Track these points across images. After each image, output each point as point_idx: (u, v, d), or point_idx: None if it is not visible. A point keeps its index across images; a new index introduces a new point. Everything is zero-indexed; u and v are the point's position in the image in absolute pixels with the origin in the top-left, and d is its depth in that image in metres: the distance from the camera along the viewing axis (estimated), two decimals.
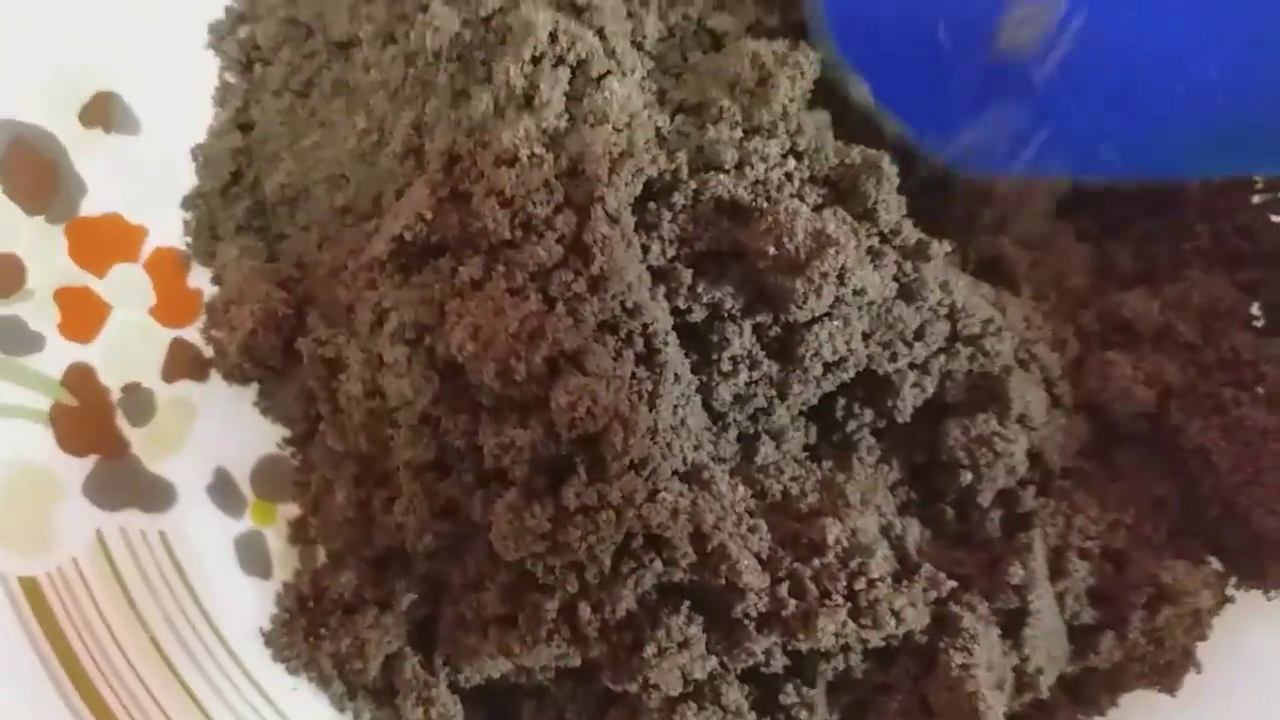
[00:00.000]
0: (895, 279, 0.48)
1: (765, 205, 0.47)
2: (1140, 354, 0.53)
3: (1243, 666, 0.53)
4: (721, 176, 0.47)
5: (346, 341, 0.51)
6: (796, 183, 0.49)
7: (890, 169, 0.49)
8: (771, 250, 0.45)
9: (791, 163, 0.49)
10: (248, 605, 0.53)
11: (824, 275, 0.45)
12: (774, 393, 0.51)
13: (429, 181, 0.48)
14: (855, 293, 0.47)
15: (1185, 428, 0.52)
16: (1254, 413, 0.52)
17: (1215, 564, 0.53)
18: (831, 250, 0.45)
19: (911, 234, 0.49)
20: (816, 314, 0.47)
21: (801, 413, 0.52)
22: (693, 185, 0.48)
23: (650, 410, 0.46)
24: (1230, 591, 0.53)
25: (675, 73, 0.52)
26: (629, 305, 0.46)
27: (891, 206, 0.49)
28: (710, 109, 0.49)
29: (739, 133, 0.49)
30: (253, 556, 0.54)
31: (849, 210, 0.49)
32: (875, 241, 0.49)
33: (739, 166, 0.48)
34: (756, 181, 0.48)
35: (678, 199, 0.47)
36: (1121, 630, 0.49)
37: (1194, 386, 0.53)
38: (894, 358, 0.49)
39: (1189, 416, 0.52)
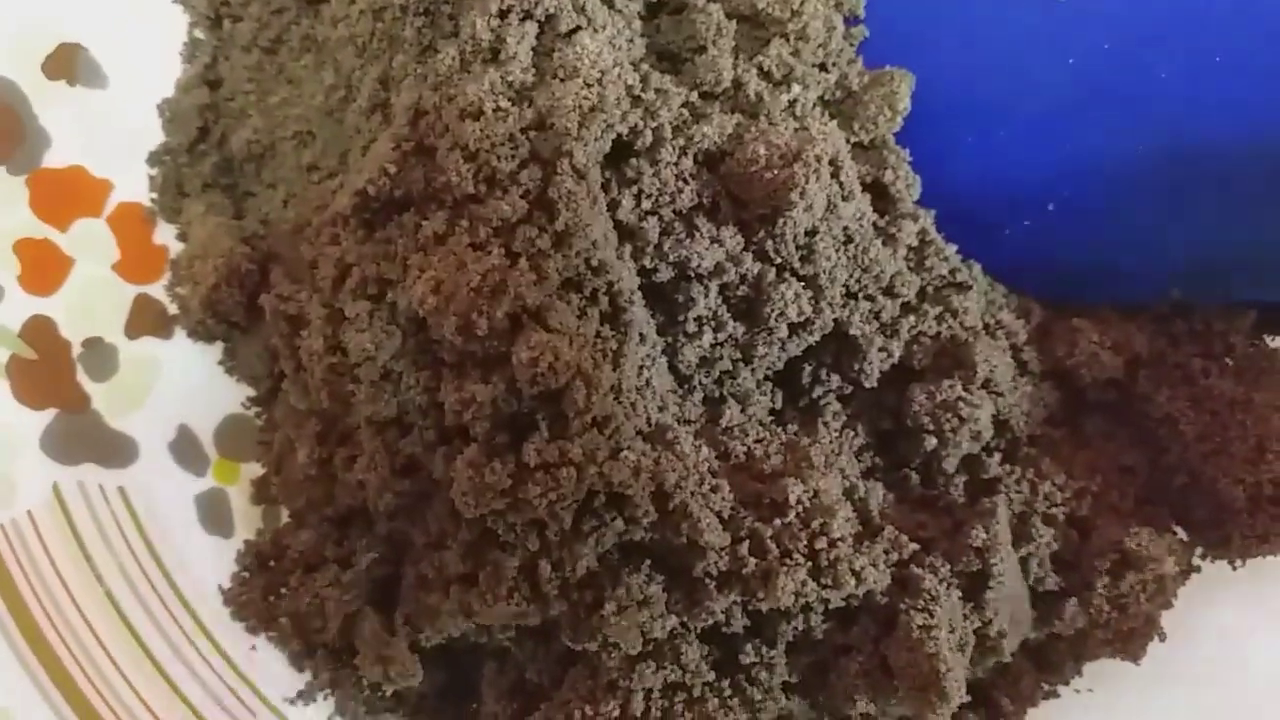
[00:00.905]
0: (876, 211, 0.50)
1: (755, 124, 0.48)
2: (1108, 322, 0.53)
3: (1207, 637, 0.53)
4: (706, 129, 0.47)
5: (309, 298, 0.50)
6: (787, 102, 0.49)
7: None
8: (763, 151, 0.46)
9: (796, 88, 0.50)
10: (208, 563, 0.52)
11: (818, 159, 0.45)
12: (739, 355, 0.51)
13: (394, 136, 0.48)
14: (845, 197, 0.47)
15: (1153, 396, 0.52)
16: (1222, 383, 0.51)
17: (1181, 533, 0.53)
18: (821, 139, 0.46)
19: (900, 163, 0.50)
20: (815, 215, 0.47)
21: (768, 377, 0.52)
22: (679, 141, 0.47)
23: (614, 369, 0.45)
24: (1196, 562, 0.53)
25: (646, 34, 0.52)
26: (594, 262, 0.46)
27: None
28: (703, 38, 0.49)
29: (732, 59, 0.49)
30: (214, 515, 0.54)
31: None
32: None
33: (735, 87, 0.49)
34: (746, 108, 0.48)
35: (664, 154, 0.47)
36: (1085, 596, 0.49)
37: (1163, 356, 0.53)
38: (865, 315, 0.49)
39: (1157, 385, 0.52)
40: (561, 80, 0.47)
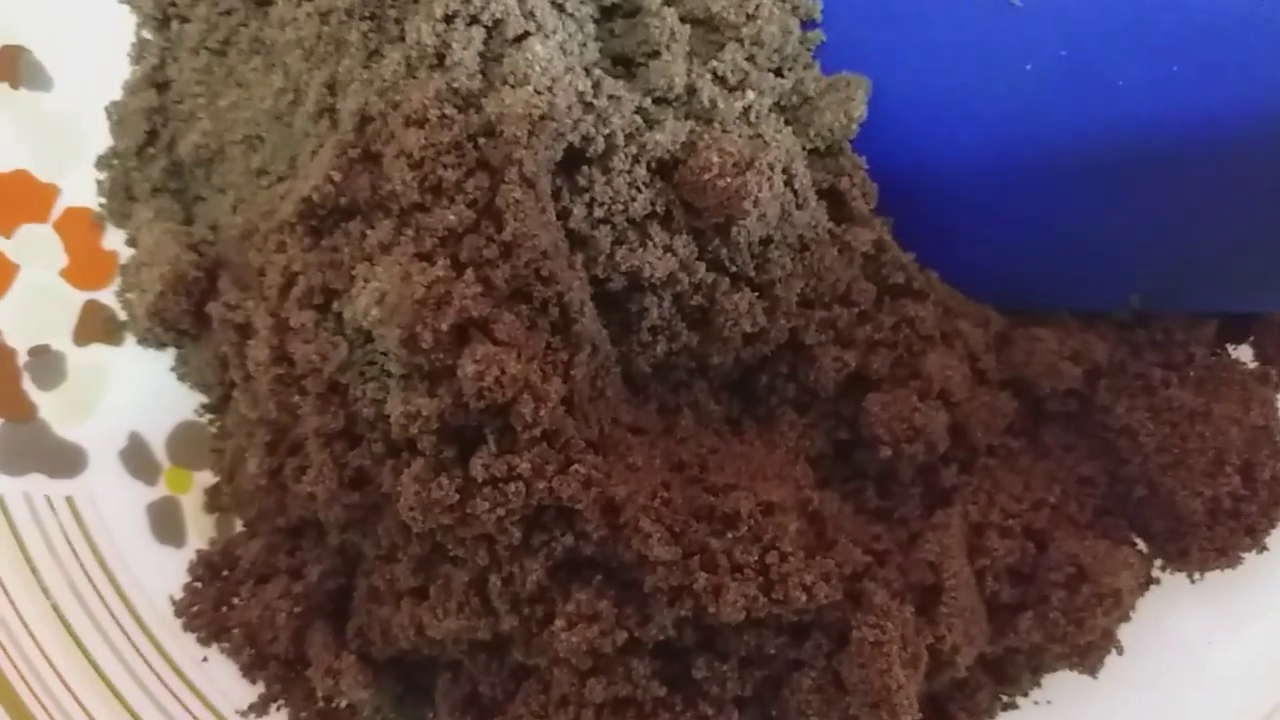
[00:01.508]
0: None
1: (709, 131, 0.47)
2: (1068, 330, 0.52)
3: (1165, 649, 0.52)
4: (659, 137, 0.46)
5: (256, 306, 0.49)
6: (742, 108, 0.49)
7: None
8: (716, 158, 0.45)
9: (750, 94, 0.49)
10: (159, 574, 0.52)
11: (771, 166, 0.45)
12: (694, 364, 0.50)
13: (339, 142, 0.47)
14: (799, 205, 0.47)
15: (1113, 407, 0.52)
16: (1182, 394, 0.51)
17: (1140, 545, 0.52)
18: (775, 146, 0.46)
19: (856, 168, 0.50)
20: (769, 223, 0.47)
21: (724, 386, 0.51)
22: (632, 149, 0.47)
23: (564, 380, 0.45)
24: (1155, 574, 0.52)
25: (600, 38, 0.51)
26: (543, 273, 0.45)
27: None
28: (656, 43, 0.49)
29: (686, 64, 0.49)
30: (166, 524, 0.53)
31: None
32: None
33: (689, 93, 0.48)
34: (700, 114, 0.48)
35: (616, 161, 0.46)
36: (1041, 610, 0.48)
37: (1124, 365, 0.52)
38: (821, 324, 0.49)
39: (1117, 396, 0.52)
40: (511, 87, 0.46)
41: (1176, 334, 0.52)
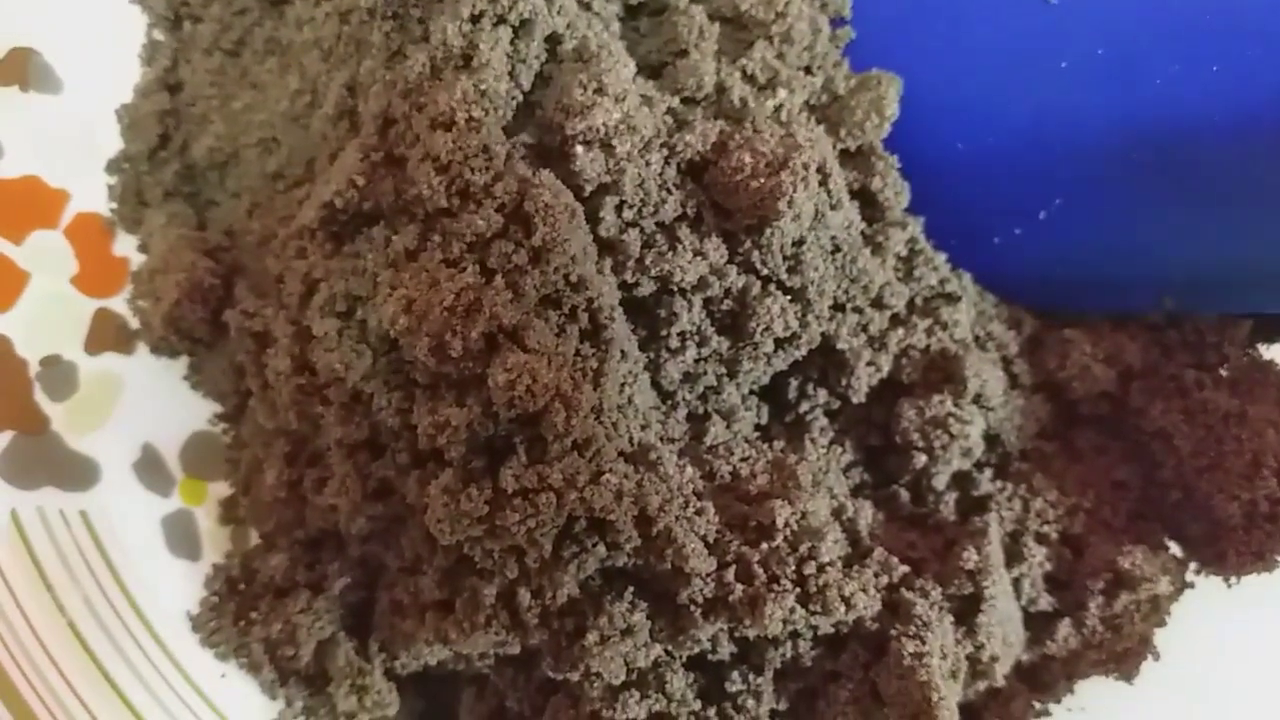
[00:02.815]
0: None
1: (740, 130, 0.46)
2: (1100, 333, 0.52)
3: (1201, 653, 0.52)
4: (689, 137, 0.45)
5: (275, 314, 0.48)
6: (773, 107, 0.48)
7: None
8: (748, 159, 0.44)
9: (781, 92, 0.48)
10: (175, 588, 0.50)
11: (806, 166, 0.44)
12: (724, 370, 0.49)
13: (362, 145, 0.46)
14: (833, 206, 0.46)
15: (1147, 410, 0.51)
16: (1217, 396, 0.50)
17: (1175, 549, 0.52)
18: (808, 145, 0.44)
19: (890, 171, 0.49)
20: (803, 225, 0.45)
21: (753, 392, 0.51)
22: (661, 150, 0.46)
23: (594, 389, 0.44)
24: (1190, 578, 0.51)
25: (625, 36, 0.50)
26: (572, 278, 0.44)
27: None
28: (684, 41, 0.48)
29: (715, 63, 0.48)
30: (181, 537, 0.52)
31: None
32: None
33: (719, 92, 0.47)
34: (730, 114, 0.47)
35: (653, 162, 0.45)
36: (1079, 617, 0.48)
37: (1156, 367, 0.52)
38: (853, 328, 0.48)
39: (1151, 398, 0.51)
40: (596, 93, 0.45)
41: (1209, 335, 0.52)
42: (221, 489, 0.53)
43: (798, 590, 0.44)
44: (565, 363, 0.43)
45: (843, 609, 0.44)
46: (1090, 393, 0.51)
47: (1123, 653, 0.48)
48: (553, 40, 0.46)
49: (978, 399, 0.49)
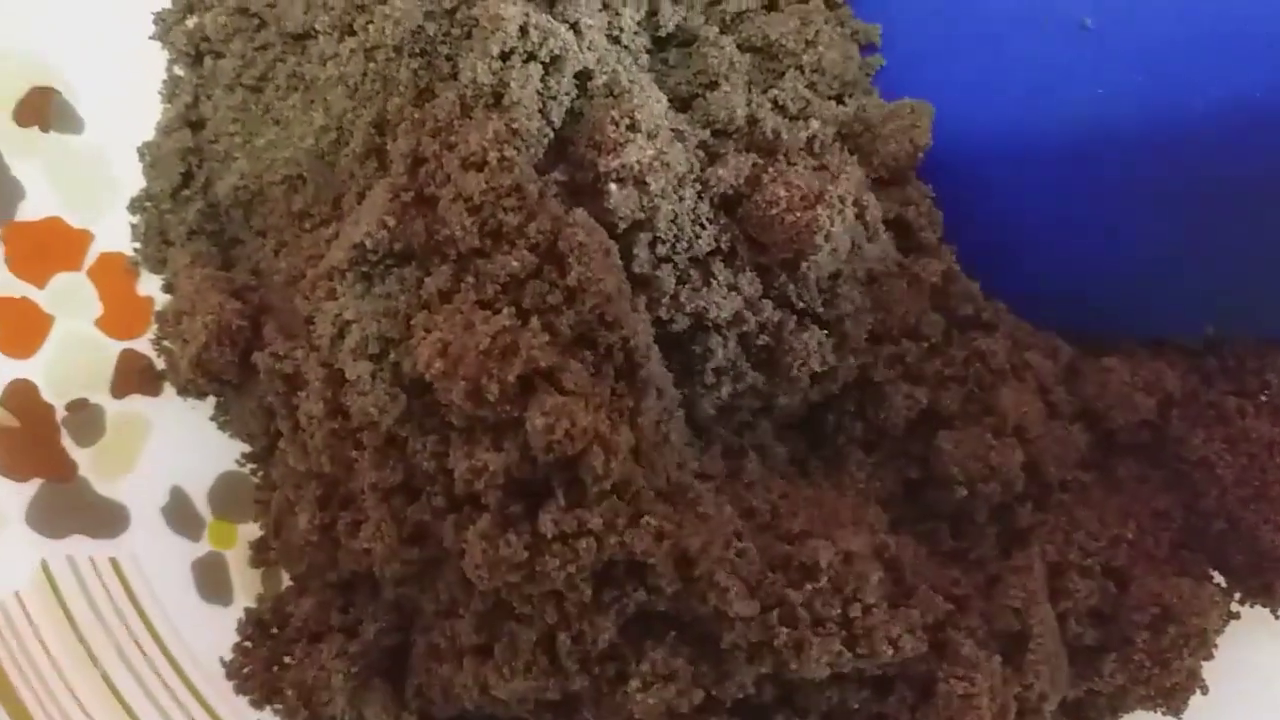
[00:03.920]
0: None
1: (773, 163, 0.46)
2: (1138, 360, 0.51)
3: (1246, 683, 0.51)
4: (722, 171, 0.45)
5: (306, 356, 0.48)
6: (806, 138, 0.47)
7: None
8: (783, 193, 0.43)
9: (814, 123, 0.48)
10: (208, 634, 0.50)
11: (841, 199, 0.44)
12: (759, 405, 0.48)
13: (392, 185, 0.45)
14: (869, 238, 0.46)
15: (1188, 438, 0.50)
16: (1259, 424, 0.50)
17: (1219, 580, 0.51)
18: (843, 178, 0.44)
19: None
20: (839, 258, 0.45)
21: (789, 426, 0.50)
22: (696, 187, 0.45)
23: (631, 428, 0.43)
24: (1235, 608, 0.51)
25: (653, 69, 0.49)
26: (608, 318, 0.43)
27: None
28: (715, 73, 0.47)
29: (745, 94, 0.47)
30: (212, 581, 0.51)
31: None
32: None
33: (750, 124, 0.47)
34: (763, 146, 0.47)
35: (686, 197, 0.45)
36: (1125, 652, 0.47)
37: (1196, 395, 0.51)
38: (889, 359, 0.47)
39: (1191, 427, 0.50)
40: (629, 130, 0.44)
41: (1249, 361, 0.51)
42: (251, 531, 0.53)
43: (843, 633, 0.43)
44: (602, 403, 0.43)
45: (890, 651, 0.43)
46: (1130, 421, 0.50)
47: (1170, 688, 0.47)
48: (583, 76, 0.45)
49: (1018, 430, 0.48)
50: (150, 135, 0.53)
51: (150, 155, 0.53)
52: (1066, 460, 0.50)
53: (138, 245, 0.53)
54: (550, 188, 0.45)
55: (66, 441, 0.49)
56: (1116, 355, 0.51)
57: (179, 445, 0.52)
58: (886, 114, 0.49)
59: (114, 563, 0.49)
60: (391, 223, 0.45)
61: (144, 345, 0.52)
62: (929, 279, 0.48)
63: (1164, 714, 0.49)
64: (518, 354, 0.42)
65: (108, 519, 0.49)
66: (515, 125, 0.44)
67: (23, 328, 0.49)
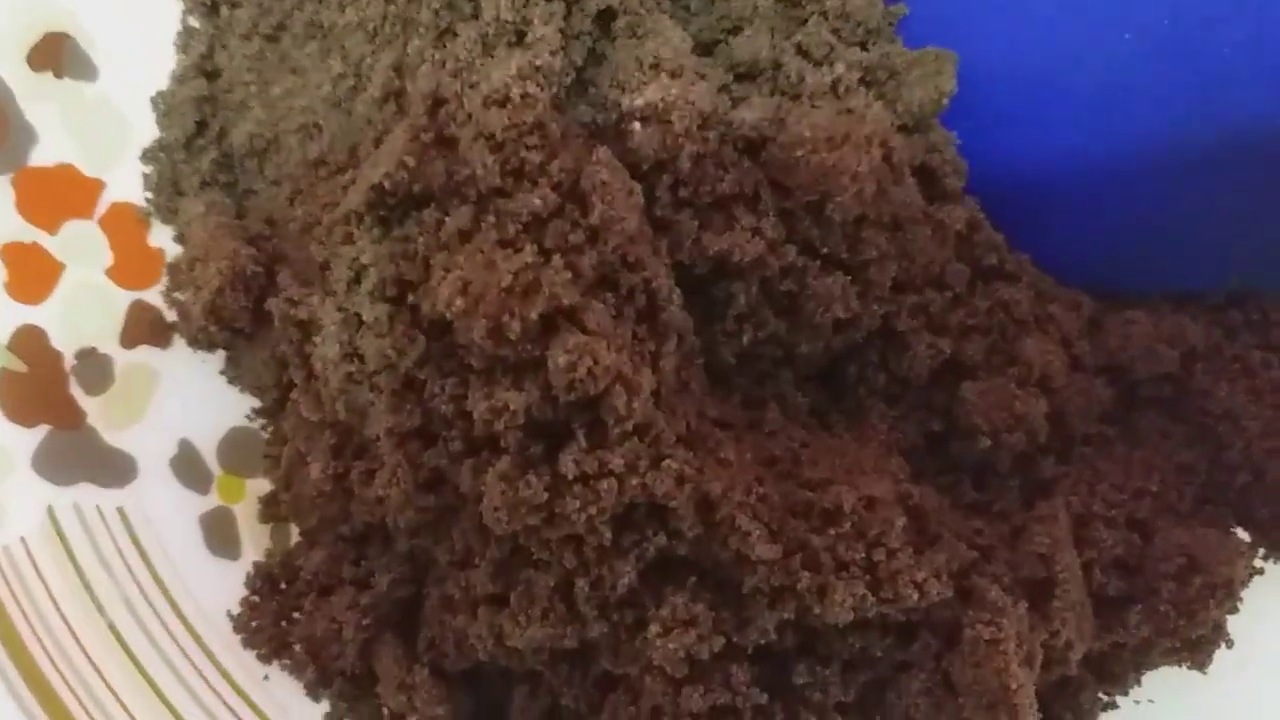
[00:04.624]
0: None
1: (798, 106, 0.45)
2: (1161, 314, 0.51)
3: (1268, 641, 0.50)
4: (746, 114, 0.44)
5: (321, 301, 0.47)
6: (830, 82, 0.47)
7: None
8: (808, 133, 0.43)
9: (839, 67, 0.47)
10: (215, 588, 0.49)
11: (868, 139, 0.43)
12: (781, 354, 0.48)
13: (411, 126, 0.44)
14: (895, 181, 0.45)
15: (1212, 391, 0.50)
16: None
17: (1242, 534, 0.50)
18: (870, 119, 0.43)
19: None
20: (865, 200, 0.44)
21: (810, 377, 0.49)
22: (720, 129, 0.44)
23: (653, 372, 0.42)
24: (1258, 563, 0.50)
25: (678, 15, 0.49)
26: (630, 259, 0.43)
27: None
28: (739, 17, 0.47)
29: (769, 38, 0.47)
30: (220, 535, 0.50)
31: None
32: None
33: (774, 68, 0.46)
34: (787, 90, 0.46)
35: (710, 139, 0.44)
36: (1150, 603, 0.46)
37: (1219, 348, 0.51)
38: (913, 309, 0.47)
39: (1215, 380, 0.50)
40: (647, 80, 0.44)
41: (1273, 314, 0.51)
42: (260, 486, 0.52)
43: (867, 577, 0.42)
44: (624, 345, 0.42)
45: (915, 595, 0.42)
46: (1153, 374, 0.50)
47: (1196, 640, 0.47)
48: (606, 16, 0.45)
49: (1042, 380, 0.48)
50: (164, 85, 0.53)
51: (164, 104, 0.52)
52: (1090, 413, 0.50)
53: (150, 195, 0.52)
54: (573, 127, 0.44)
55: (75, 390, 0.48)
56: (1139, 309, 0.51)
57: (188, 399, 0.51)
58: (911, 60, 0.49)
59: (121, 512, 0.48)
60: (411, 163, 0.44)
61: (154, 297, 0.52)
62: (953, 226, 0.48)
63: (1189, 668, 0.48)
64: (540, 292, 0.41)
65: (115, 468, 0.48)
66: (538, 62, 0.43)
67: (33, 273, 0.48)
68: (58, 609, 0.45)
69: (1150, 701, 0.51)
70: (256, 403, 0.53)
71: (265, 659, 0.48)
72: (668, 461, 0.42)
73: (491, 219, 0.43)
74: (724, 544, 0.42)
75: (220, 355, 0.52)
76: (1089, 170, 0.48)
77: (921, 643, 0.44)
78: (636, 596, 0.43)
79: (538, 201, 0.43)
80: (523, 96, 0.43)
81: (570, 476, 0.41)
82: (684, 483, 0.42)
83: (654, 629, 0.42)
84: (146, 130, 0.52)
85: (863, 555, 0.42)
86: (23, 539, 0.45)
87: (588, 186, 0.43)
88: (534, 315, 0.41)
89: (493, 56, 0.44)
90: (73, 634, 0.45)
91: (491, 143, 0.43)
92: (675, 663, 0.43)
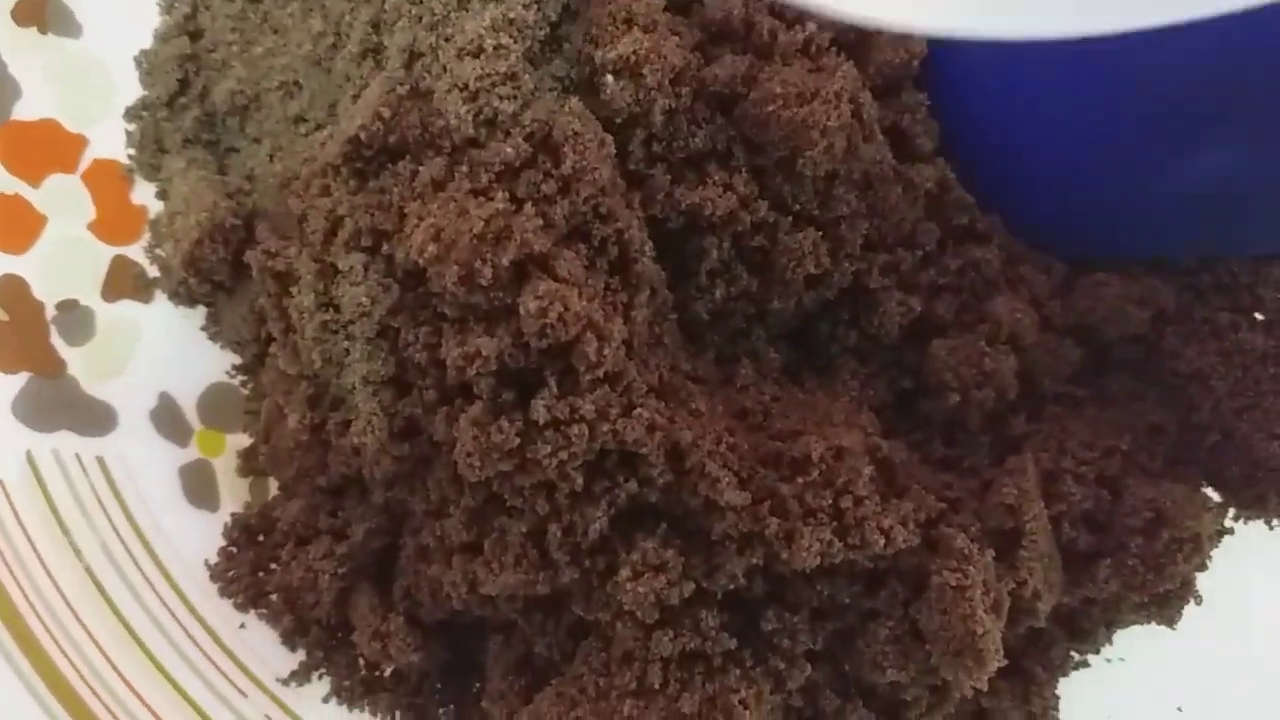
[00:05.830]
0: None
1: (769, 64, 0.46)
2: (1132, 276, 0.51)
3: (1242, 599, 0.51)
4: (718, 71, 0.45)
5: (298, 254, 0.47)
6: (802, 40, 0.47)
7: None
8: (779, 89, 0.44)
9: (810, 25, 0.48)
10: (193, 538, 0.49)
11: (838, 95, 0.43)
12: (753, 310, 0.48)
13: (387, 79, 0.45)
14: (866, 138, 0.45)
15: (1182, 352, 0.50)
16: (1253, 337, 0.50)
17: (1213, 495, 0.51)
18: (840, 76, 0.43)
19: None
20: (835, 156, 0.45)
21: (783, 335, 0.50)
22: (692, 85, 0.45)
23: (625, 323, 0.43)
24: (1228, 524, 0.51)
25: None
26: (602, 210, 0.43)
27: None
28: None
29: None
30: (199, 487, 0.51)
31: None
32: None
33: (746, 27, 0.47)
34: (759, 48, 0.46)
35: (683, 94, 0.45)
36: (1119, 557, 0.46)
37: (1190, 311, 0.51)
38: (884, 267, 0.47)
39: (1185, 341, 0.50)
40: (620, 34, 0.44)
41: (1242, 277, 0.51)
42: (240, 441, 0.52)
43: (834, 524, 0.43)
44: (596, 294, 0.42)
45: (881, 541, 0.42)
46: (1123, 335, 0.50)
47: (1164, 595, 0.47)
48: None
49: (1012, 338, 0.48)
50: (148, 43, 0.53)
51: (147, 63, 0.53)
52: (1059, 372, 0.50)
53: (132, 152, 0.53)
54: (546, 81, 0.45)
55: (56, 340, 0.49)
56: (1110, 271, 0.51)
57: (169, 353, 0.52)
58: None
59: (100, 461, 0.48)
60: (387, 114, 0.44)
61: (137, 253, 0.52)
62: (924, 184, 0.49)
63: (1158, 624, 0.49)
64: (511, 238, 0.42)
65: (95, 417, 0.49)
66: (511, 15, 0.44)
67: (15, 224, 0.49)
68: (36, 552, 0.45)
69: (1121, 660, 0.51)
70: (237, 359, 0.53)
71: (242, 608, 0.49)
72: (639, 410, 0.42)
73: (465, 168, 0.43)
74: (694, 491, 0.42)
75: (200, 312, 0.53)
76: (1059, 135, 0.48)
77: (889, 591, 0.44)
78: (608, 543, 0.44)
79: (510, 151, 0.43)
80: (495, 48, 0.43)
81: (541, 422, 0.41)
82: (655, 430, 0.42)
83: (624, 574, 0.43)
84: (129, 88, 0.53)
85: (830, 502, 0.43)
86: (2, 483, 0.46)
87: (560, 137, 0.43)
88: (505, 261, 0.41)
89: (467, 10, 0.44)
90: (50, 576, 0.45)
91: (465, 92, 0.43)
92: (646, 607, 0.43)
